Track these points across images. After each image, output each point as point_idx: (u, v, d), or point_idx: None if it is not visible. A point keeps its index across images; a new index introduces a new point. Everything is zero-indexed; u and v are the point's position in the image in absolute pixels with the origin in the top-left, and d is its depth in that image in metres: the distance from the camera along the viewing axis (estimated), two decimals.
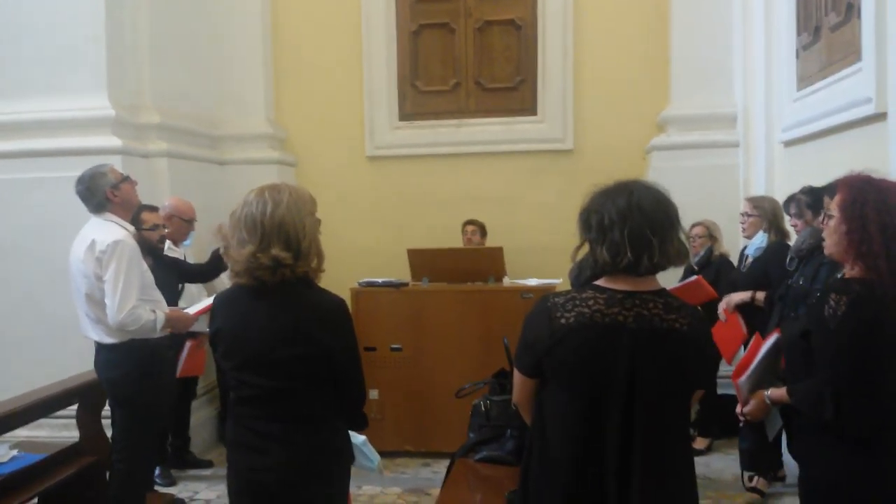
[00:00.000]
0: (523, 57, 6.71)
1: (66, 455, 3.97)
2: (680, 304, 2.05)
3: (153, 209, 4.67)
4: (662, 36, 6.36)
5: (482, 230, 6.29)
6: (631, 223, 1.97)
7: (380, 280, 5.46)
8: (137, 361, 3.76)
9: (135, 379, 3.76)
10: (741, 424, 2.87)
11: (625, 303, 1.99)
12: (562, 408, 2.03)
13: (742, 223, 4.83)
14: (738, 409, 2.80)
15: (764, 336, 2.97)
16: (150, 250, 4.33)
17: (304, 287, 2.38)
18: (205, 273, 4.95)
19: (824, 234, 2.57)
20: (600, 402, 1.98)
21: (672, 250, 2.01)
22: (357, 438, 2.63)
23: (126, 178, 3.95)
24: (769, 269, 4.43)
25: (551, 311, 2.02)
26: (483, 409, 3.81)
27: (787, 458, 4.47)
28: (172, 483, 4.91)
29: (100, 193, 3.82)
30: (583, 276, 2.15)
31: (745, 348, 4.44)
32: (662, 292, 2.06)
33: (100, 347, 3.83)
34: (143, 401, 3.79)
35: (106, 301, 3.67)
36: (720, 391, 4.97)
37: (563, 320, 1.99)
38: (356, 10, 6.73)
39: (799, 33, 4.87)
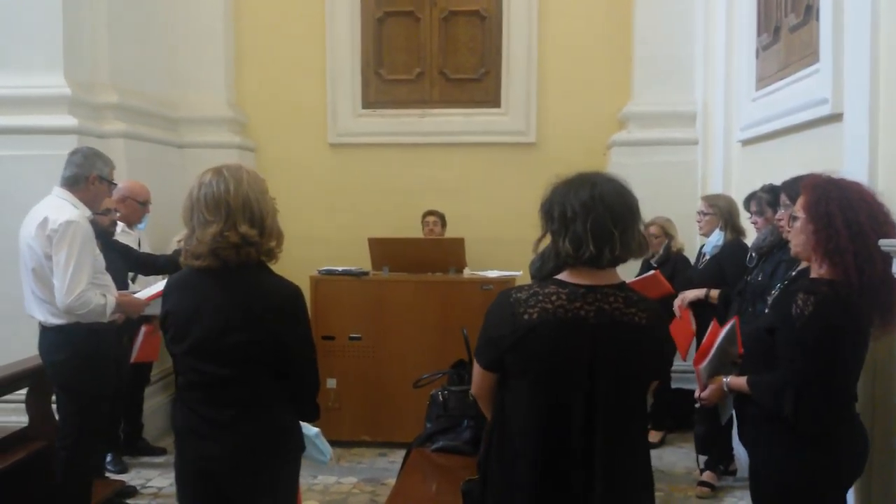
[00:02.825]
0: (488, 48, 6.71)
1: (14, 440, 3.89)
2: (639, 298, 2.08)
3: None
4: (626, 32, 6.41)
5: (443, 221, 6.29)
6: (594, 216, 1.97)
7: (340, 269, 5.43)
8: (82, 345, 3.67)
9: (79, 363, 3.67)
10: (697, 407, 2.93)
11: (586, 297, 2.00)
12: (524, 402, 2.03)
13: (699, 221, 4.89)
14: (697, 393, 2.85)
15: (721, 324, 3.03)
16: (100, 234, 4.25)
17: (260, 272, 2.36)
18: (153, 266, 4.77)
19: (789, 236, 2.63)
20: (562, 396, 2.00)
21: (633, 243, 2.02)
22: (310, 430, 2.60)
23: (112, 185, 3.94)
24: (725, 266, 4.50)
25: (514, 306, 2.01)
26: (441, 399, 3.82)
27: (739, 451, 4.57)
28: (124, 470, 4.84)
29: (85, 170, 3.76)
30: (545, 268, 2.16)
31: (696, 344, 4.54)
32: (622, 286, 2.08)
33: (44, 329, 3.74)
34: (86, 386, 3.70)
35: (55, 283, 3.59)
36: (674, 385, 5.07)
37: (526, 316, 1.99)
38: None
39: (759, 33, 4.94)
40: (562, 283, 2.04)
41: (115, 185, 4.02)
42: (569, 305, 1.99)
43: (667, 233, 5.37)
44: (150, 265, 4.76)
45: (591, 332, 1.98)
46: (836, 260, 2.37)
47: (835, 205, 2.39)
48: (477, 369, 2.17)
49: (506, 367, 2.06)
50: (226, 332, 2.29)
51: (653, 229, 5.35)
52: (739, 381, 2.65)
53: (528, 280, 2.74)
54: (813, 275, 2.51)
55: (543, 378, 2.00)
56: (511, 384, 2.07)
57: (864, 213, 2.38)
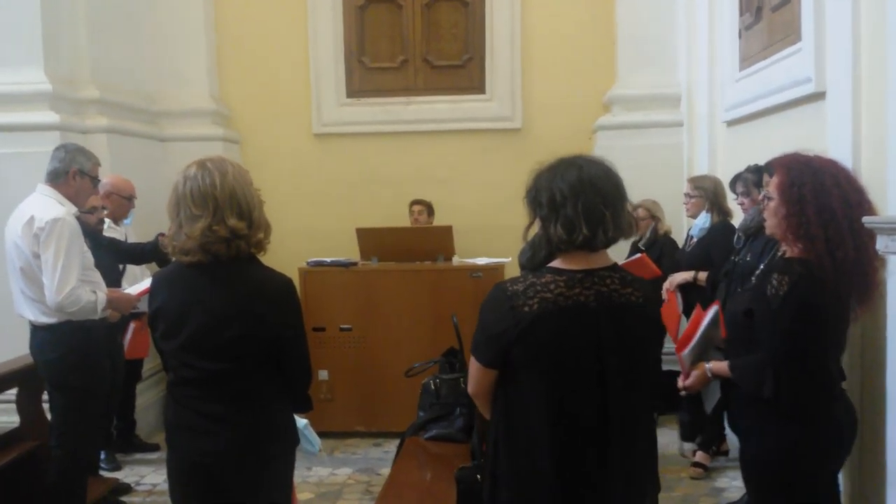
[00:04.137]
0: (471, 34, 6.68)
1: (5, 441, 3.88)
2: (633, 278, 2.09)
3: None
4: (609, 15, 6.40)
5: (429, 210, 6.28)
6: (584, 198, 1.97)
7: (328, 260, 5.42)
8: (74, 343, 3.66)
9: (72, 361, 3.66)
10: (682, 395, 2.94)
11: (584, 282, 2.00)
12: (532, 395, 2.01)
13: (685, 203, 4.90)
14: (680, 381, 2.86)
15: (705, 308, 3.04)
16: (89, 233, 4.23)
17: (251, 265, 2.35)
18: (142, 255, 4.77)
19: (765, 215, 2.64)
20: (571, 382, 1.99)
21: (623, 223, 2.03)
22: (299, 422, 2.60)
23: (96, 181, 3.92)
24: (712, 249, 4.50)
25: (512, 299, 1.98)
26: (433, 387, 3.84)
27: (730, 432, 4.60)
28: (118, 468, 4.84)
29: (65, 165, 3.74)
30: (537, 257, 2.14)
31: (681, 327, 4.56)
32: (616, 267, 2.08)
33: (35, 328, 3.72)
34: (80, 384, 3.69)
35: (44, 281, 3.57)
36: (666, 367, 5.10)
37: (526, 308, 1.96)
38: None
39: (741, 14, 4.94)
40: (557, 271, 2.02)
41: (99, 180, 3.99)
42: (568, 292, 1.98)
43: (653, 215, 5.38)
44: (137, 254, 4.76)
45: (593, 316, 1.98)
46: (808, 245, 2.38)
47: (807, 189, 2.40)
48: (475, 367, 2.12)
49: (510, 361, 2.02)
50: (220, 328, 2.27)
51: (640, 212, 5.36)
52: (721, 366, 2.67)
53: (517, 267, 2.75)
54: (787, 255, 2.52)
55: (550, 367, 1.98)
56: (516, 377, 2.03)
57: (837, 198, 2.39)
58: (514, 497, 2.06)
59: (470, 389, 2.21)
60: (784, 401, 2.40)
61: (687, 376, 2.82)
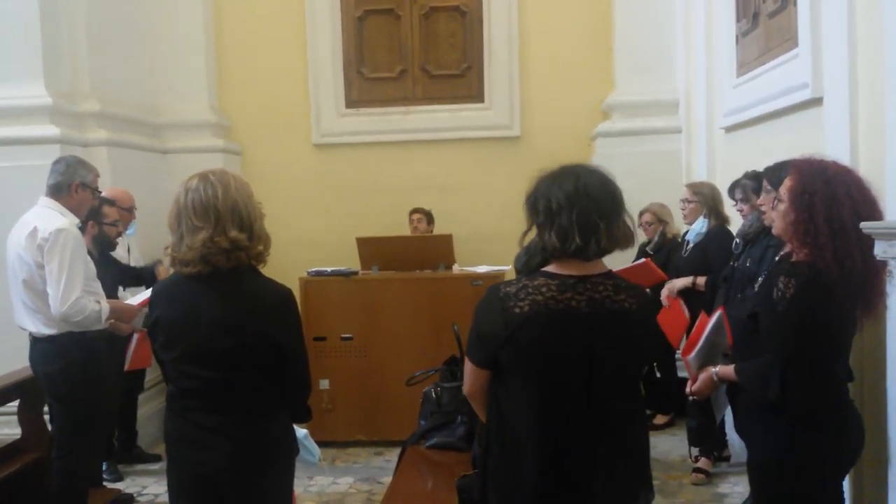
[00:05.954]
0: (469, 43, 6.71)
1: (7, 453, 3.87)
2: (627, 285, 2.10)
3: (113, 204, 4.60)
4: (606, 22, 6.43)
5: (428, 218, 6.29)
6: (579, 208, 1.98)
7: (329, 269, 5.42)
8: (75, 355, 3.67)
9: (74, 373, 3.67)
10: (690, 401, 2.93)
11: (577, 287, 2.01)
12: (521, 397, 2.03)
13: (683, 209, 4.90)
14: (688, 387, 2.86)
15: (709, 313, 3.04)
16: (106, 245, 4.26)
17: (251, 276, 2.36)
18: (137, 278, 4.83)
19: (773, 216, 2.63)
20: (560, 387, 2.00)
21: (619, 234, 2.04)
22: (299, 432, 2.61)
23: (96, 192, 3.94)
24: (710, 253, 4.51)
25: (504, 301, 2.01)
26: (434, 396, 3.84)
27: (732, 438, 4.60)
28: (119, 478, 4.82)
29: (67, 178, 3.76)
30: (532, 262, 2.16)
31: (688, 333, 4.55)
32: (610, 274, 2.09)
33: (35, 340, 3.73)
34: (82, 395, 3.69)
35: (49, 291, 3.58)
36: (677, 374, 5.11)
37: (517, 310, 1.99)
38: None
39: (738, 20, 4.96)
40: (550, 275, 2.04)
41: (100, 192, 4.02)
42: (559, 296, 2.00)
43: (660, 219, 5.38)
44: (132, 276, 4.80)
45: (585, 322, 1.99)
46: (815, 252, 2.38)
47: (818, 198, 2.38)
48: (469, 368, 2.16)
49: (500, 362, 2.05)
50: (220, 337, 2.28)
51: (646, 217, 5.37)
52: (728, 370, 2.66)
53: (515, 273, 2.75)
54: (794, 258, 2.51)
55: (539, 370, 2.00)
56: (506, 379, 2.07)
57: (848, 209, 2.36)
58: (502, 498, 2.09)
59: (465, 389, 2.25)
60: (790, 404, 2.38)
61: (694, 381, 2.81)
